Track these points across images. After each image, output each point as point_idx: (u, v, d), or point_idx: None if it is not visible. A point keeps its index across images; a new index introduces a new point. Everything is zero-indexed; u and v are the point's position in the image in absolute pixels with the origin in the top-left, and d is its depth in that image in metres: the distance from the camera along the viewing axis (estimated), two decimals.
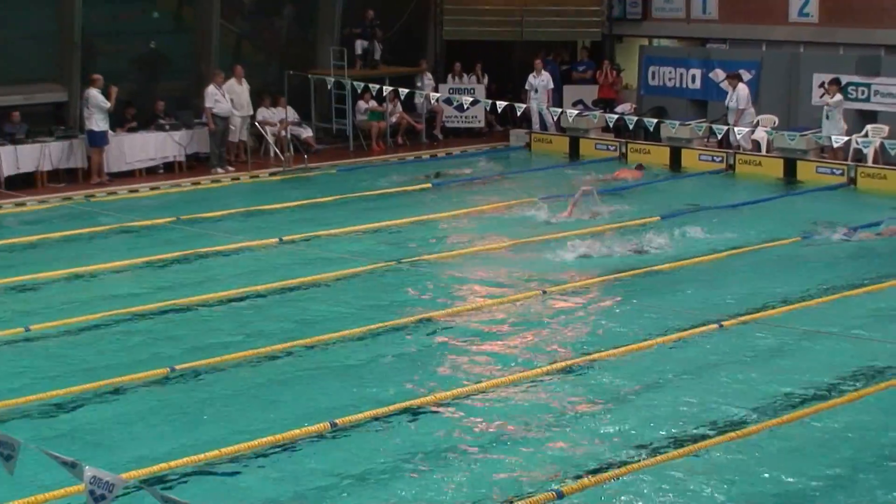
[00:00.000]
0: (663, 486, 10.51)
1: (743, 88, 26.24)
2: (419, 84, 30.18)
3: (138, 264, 18.42)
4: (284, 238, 19.76)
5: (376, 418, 12.04)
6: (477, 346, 14.48)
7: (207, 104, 25.98)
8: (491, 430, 11.87)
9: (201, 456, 11.06)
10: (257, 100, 27.68)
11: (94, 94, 24.59)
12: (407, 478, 10.79)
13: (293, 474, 10.91)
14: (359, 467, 10.98)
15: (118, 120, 25.58)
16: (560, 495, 10.17)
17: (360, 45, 30.13)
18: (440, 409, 12.40)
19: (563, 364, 13.70)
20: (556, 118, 28.72)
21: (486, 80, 30.88)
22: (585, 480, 10.52)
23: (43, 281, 17.52)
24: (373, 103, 29.18)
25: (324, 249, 19.08)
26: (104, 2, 26.99)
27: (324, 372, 13.63)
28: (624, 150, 27.72)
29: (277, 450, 11.34)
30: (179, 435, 11.81)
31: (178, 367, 13.46)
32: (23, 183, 24.14)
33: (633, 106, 29.40)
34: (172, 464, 10.89)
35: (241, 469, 11.00)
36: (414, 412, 12.28)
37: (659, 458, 11.04)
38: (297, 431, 11.60)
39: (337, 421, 11.78)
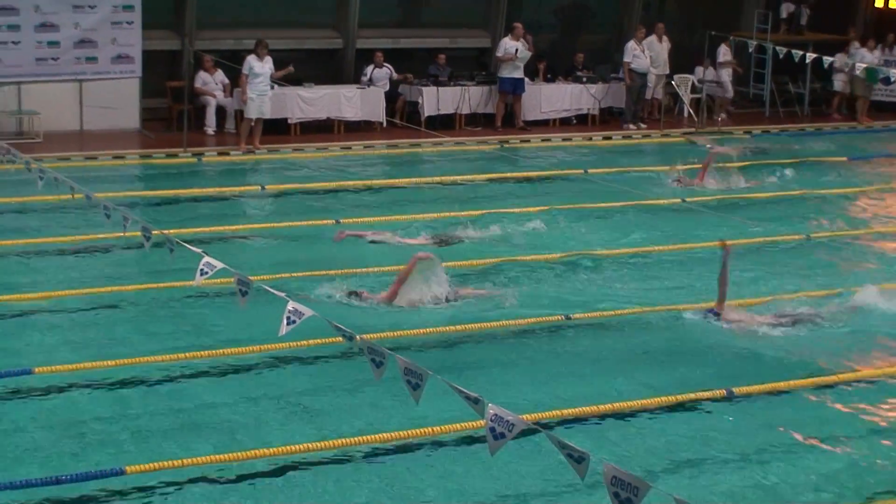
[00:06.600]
0: None
1: None
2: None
3: (545, 212, 18.26)
4: (688, 199, 19.57)
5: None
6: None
7: (626, 59, 26.04)
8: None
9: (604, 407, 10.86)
10: (683, 61, 27.51)
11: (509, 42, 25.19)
12: (812, 452, 10.31)
13: (688, 434, 10.53)
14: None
15: (531, 73, 26.00)
16: None
17: (785, 9, 29.42)
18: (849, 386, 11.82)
19: None
20: None
21: None
22: None
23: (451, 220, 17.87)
24: None
25: (730, 214, 18.54)
26: None
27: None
28: None
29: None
30: (582, 382, 11.75)
31: (573, 316, 13.42)
32: (441, 124, 25.00)
33: None
34: (576, 410, 10.64)
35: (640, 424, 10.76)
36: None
37: None
38: (692, 395, 11.19)
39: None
